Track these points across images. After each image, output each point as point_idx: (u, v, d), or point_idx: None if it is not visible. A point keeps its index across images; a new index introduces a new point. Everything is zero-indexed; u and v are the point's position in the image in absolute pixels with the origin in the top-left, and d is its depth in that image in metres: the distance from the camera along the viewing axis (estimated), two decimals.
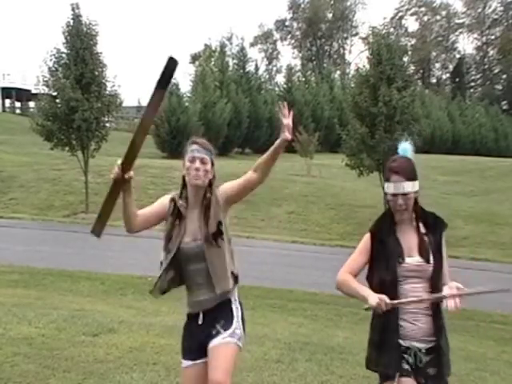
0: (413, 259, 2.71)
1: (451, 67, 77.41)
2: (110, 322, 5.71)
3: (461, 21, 78.18)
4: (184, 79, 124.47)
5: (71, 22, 17.44)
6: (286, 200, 19.28)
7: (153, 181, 19.88)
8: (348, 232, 16.96)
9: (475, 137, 49.30)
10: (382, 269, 2.74)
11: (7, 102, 47.56)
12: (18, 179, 19.61)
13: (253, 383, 4.27)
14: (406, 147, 2.85)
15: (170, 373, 4.30)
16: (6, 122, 35.89)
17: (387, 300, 2.57)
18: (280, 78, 59.58)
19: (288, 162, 30.49)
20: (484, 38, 77.23)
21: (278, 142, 2.82)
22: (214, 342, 2.77)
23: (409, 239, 2.75)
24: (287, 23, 79.21)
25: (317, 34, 77.83)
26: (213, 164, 2.88)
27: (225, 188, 2.88)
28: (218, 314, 2.83)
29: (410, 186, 2.70)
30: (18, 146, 27.10)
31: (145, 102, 2.97)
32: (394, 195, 2.71)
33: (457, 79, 73.92)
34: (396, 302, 2.61)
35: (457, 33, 79.27)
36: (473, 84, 77.88)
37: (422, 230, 2.77)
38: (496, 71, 76.71)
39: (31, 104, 40.00)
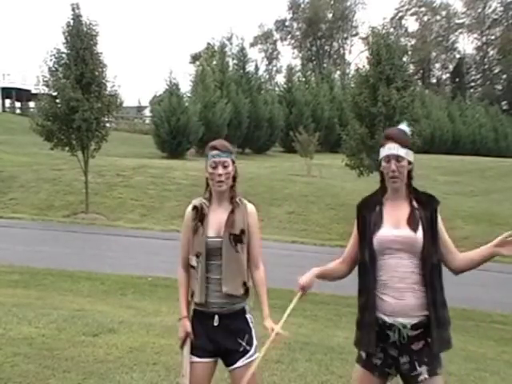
0: (399, 230, 2.65)
1: (451, 67, 77.39)
2: (109, 322, 5.71)
3: (461, 21, 78.20)
4: (184, 79, 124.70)
5: (71, 22, 17.41)
6: (286, 200, 19.27)
7: (153, 181, 19.87)
8: (348, 232, 16.72)
9: (475, 137, 49.26)
10: (365, 243, 2.74)
11: (7, 101, 47.54)
12: (18, 179, 19.61)
13: None
14: (403, 127, 2.87)
15: (170, 373, 4.30)
16: (6, 122, 35.89)
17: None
18: (280, 78, 59.55)
19: (288, 162, 30.52)
20: (484, 38, 77.22)
21: (264, 317, 2.91)
22: (241, 362, 2.87)
23: (398, 212, 2.71)
24: (287, 23, 79.22)
25: (317, 34, 77.80)
26: (233, 162, 2.94)
27: (252, 221, 2.97)
28: (233, 322, 2.88)
29: (403, 152, 2.68)
30: (18, 146, 27.10)
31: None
32: (388, 159, 2.69)
33: (457, 79, 73.89)
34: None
35: (457, 33, 79.28)
36: (473, 84, 77.86)
37: (415, 205, 2.72)
38: (496, 71, 76.69)
39: (31, 104, 39.99)
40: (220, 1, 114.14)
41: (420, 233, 2.64)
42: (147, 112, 52.05)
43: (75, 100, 16.55)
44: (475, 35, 77.73)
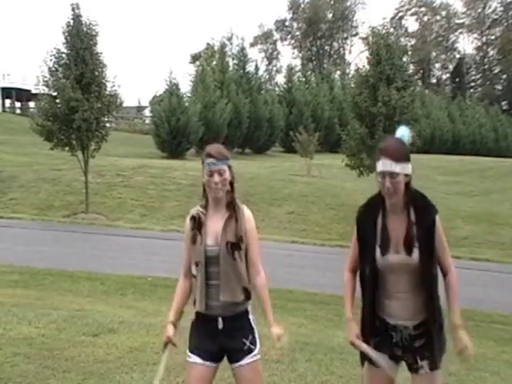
0: (397, 256, 2.67)
1: (451, 67, 77.41)
2: (110, 322, 5.71)
3: (461, 21, 78.25)
4: (184, 79, 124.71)
5: (71, 22, 17.40)
6: (286, 200, 19.27)
7: (153, 181, 19.87)
8: (348, 232, 16.91)
9: (475, 137, 49.27)
10: (365, 259, 2.76)
11: (7, 101, 47.53)
12: (18, 179, 19.60)
13: None
14: (403, 132, 2.78)
15: (170, 373, 4.30)
16: (6, 122, 35.89)
17: (355, 340, 2.79)
18: (280, 78, 59.60)
19: (288, 162, 30.51)
20: (484, 38, 77.24)
21: (269, 321, 2.90)
22: (245, 361, 2.87)
23: (396, 231, 2.70)
24: (287, 23, 79.27)
25: (317, 34, 77.82)
26: (230, 167, 2.92)
27: (249, 227, 2.95)
28: (237, 323, 2.90)
29: (398, 168, 2.61)
30: (18, 146, 27.09)
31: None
32: (383, 175, 2.65)
33: (457, 79, 73.89)
34: (363, 346, 2.78)
35: (457, 33, 79.33)
36: (473, 84, 77.89)
37: (413, 218, 2.70)
38: (496, 71, 76.72)
39: (31, 104, 39.97)
40: (220, 1, 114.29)
41: (416, 255, 2.66)
42: (147, 112, 52.10)
43: (75, 100, 16.54)
44: (475, 35, 77.84)
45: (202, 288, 2.87)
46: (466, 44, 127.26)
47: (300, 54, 78.27)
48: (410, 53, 59.87)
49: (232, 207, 2.93)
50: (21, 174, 20.01)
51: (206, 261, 2.86)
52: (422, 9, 78.32)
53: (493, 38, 76.63)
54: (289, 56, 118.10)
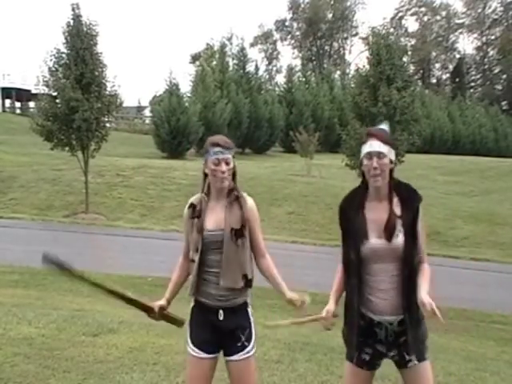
0: (381, 241, 2.68)
1: (451, 67, 77.37)
2: (110, 322, 5.71)
3: (461, 21, 78.20)
4: (184, 79, 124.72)
5: (71, 22, 17.42)
6: (286, 200, 19.27)
7: (153, 181, 19.87)
8: None
9: (475, 137, 49.25)
10: (349, 247, 2.76)
11: (7, 102, 47.54)
12: (18, 179, 19.61)
13: None
14: (384, 127, 2.89)
15: (170, 373, 4.30)
16: (6, 122, 35.89)
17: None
18: (280, 78, 59.62)
19: (288, 161, 30.52)
20: (484, 38, 77.22)
21: (285, 292, 3.04)
22: (237, 357, 2.88)
23: (379, 218, 2.71)
24: (287, 23, 79.21)
25: (317, 34, 77.81)
26: (233, 157, 2.96)
27: (252, 215, 2.95)
28: (237, 315, 2.91)
29: (386, 149, 2.68)
30: (18, 146, 27.10)
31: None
32: (369, 156, 2.69)
33: (457, 79, 73.85)
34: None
35: (457, 33, 79.29)
36: (473, 84, 77.84)
37: (396, 206, 2.72)
38: (496, 71, 76.69)
39: (31, 104, 39.97)
40: (220, 1, 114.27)
41: (401, 239, 2.67)
42: (147, 112, 52.15)
43: (75, 100, 16.55)
44: (475, 35, 77.80)
45: (198, 274, 2.89)
46: (466, 44, 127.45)
47: (300, 54, 78.20)
48: (410, 53, 59.82)
49: (234, 196, 2.93)
50: (21, 174, 20.01)
51: (207, 247, 2.87)
52: (422, 9, 78.30)
53: (493, 38, 76.60)
54: (289, 56, 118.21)
